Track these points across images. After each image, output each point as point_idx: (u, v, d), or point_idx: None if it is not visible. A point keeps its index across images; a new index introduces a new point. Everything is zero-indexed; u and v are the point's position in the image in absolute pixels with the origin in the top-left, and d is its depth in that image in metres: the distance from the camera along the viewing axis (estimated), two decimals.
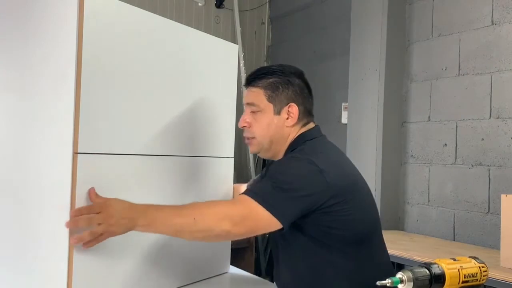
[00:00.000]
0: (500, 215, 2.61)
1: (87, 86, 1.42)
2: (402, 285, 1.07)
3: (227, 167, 1.99)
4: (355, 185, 1.63)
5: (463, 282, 1.11)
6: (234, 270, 2.03)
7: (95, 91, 1.45)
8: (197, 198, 1.67)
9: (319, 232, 1.57)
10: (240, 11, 5.14)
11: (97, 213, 1.40)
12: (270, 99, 1.67)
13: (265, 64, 5.26)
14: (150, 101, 1.65)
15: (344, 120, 4.23)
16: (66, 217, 1.40)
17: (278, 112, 1.67)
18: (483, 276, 1.15)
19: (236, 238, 1.54)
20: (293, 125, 1.69)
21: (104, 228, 1.40)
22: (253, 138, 1.69)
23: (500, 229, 2.57)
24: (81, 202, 1.41)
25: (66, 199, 1.40)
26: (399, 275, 1.08)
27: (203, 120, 1.86)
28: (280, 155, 1.70)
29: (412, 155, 3.73)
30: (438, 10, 3.62)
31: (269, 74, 1.68)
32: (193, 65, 1.81)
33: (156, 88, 1.67)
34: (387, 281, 1.06)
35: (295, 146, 1.67)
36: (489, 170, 3.21)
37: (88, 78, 1.42)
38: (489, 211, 3.20)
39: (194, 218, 1.45)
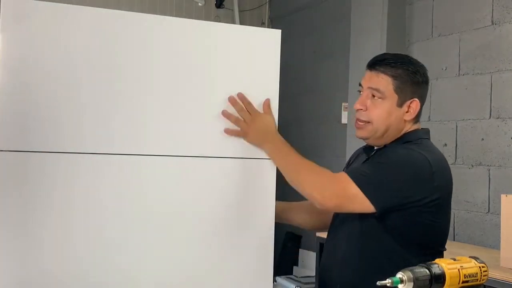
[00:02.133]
0: (500, 215, 2.61)
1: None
2: (402, 285, 1.07)
3: (268, 170, 1.80)
4: (450, 195, 1.67)
5: (463, 282, 1.11)
6: None
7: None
8: (233, 203, 1.72)
9: (402, 228, 1.60)
10: (240, 11, 5.14)
11: (249, 113, 1.67)
12: (397, 89, 1.65)
13: None
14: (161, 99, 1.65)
15: (344, 120, 4.23)
16: None
17: (400, 105, 1.66)
18: (483, 276, 1.15)
19: (325, 210, 1.67)
20: (410, 120, 1.69)
21: (244, 126, 1.66)
22: (368, 122, 1.67)
23: (500, 229, 2.56)
24: None
25: None
26: (399, 275, 1.08)
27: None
28: (385, 143, 1.70)
29: None
30: (438, 10, 3.62)
31: (400, 64, 1.67)
32: (219, 60, 1.76)
33: (172, 88, 1.68)
34: (387, 281, 1.06)
35: (409, 139, 1.67)
36: (489, 170, 3.21)
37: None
38: (489, 211, 3.20)
39: (298, 178, 1.63)
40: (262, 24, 5.38)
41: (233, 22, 5.10)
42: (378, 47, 3.77)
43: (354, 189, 1.55)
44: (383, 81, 1.66)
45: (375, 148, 1.74)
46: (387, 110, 1.65)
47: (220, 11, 5.10)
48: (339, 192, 1.57)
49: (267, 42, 1.84)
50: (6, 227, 1.53)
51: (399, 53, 1.75)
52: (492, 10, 3.25)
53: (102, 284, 1.60)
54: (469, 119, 3.34)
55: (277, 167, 1.69)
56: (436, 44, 3.59)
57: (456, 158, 3.41)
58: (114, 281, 1.62)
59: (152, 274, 1.67)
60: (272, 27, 5.38)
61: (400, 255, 1.59)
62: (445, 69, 3.50)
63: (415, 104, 1.68)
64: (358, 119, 1.70)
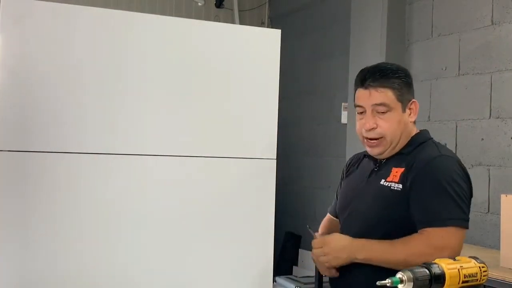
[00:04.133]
0: (500, 215, 2.61)
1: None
2: (402, 285, 1.06)
3: (268, 170, 1.85)
4: None
5: (463, 282, 1.11)
6: None
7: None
8: (233, 203, 1.70)
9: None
10: (240, 11, 5.14)
11: (320, 247, 1.67)
12: (399, 97, 1.68)
13: None
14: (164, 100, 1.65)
15: (344, 120, 4.22)
16: None
17: (404, 110, 1.70)
18: (483, 276, 1.14)
19: None
20: (413, 122, 1.74)
21: (325, 259, 1.66)
22: (381, 138, 1.68)
23: (500, 229, 2.56)
24: None
25: None
26: (399, 275, 1.08)
27: (232, 119, 1.81)
28: (395, 151, 1.71)
29: None
30: (438, 10, 3.62)
31: (392, 73, 1.70)
32: (218, 62, 1.78)
33: (174, 88, 1.67)
34: (387, 281, 1.06)
35: (420, 140, 1.72)
36: (489, 170, 3.20)
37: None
38: (489, 211, 3.20)
39: (405, 259, 1.54)
40: (262, 24, 5.38)
41: (233, 22, 5.09)
42: (378, 47, 3.76)
43: (451, 234, 1.58)
44: (384, 94, 1.67)
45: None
46: (397, 120, 1.68)
47: (220, 11, 5.10)
48: (444, 245, 1.55)
49: (267, 42, 1.84)
50: (6, 227, 1.53)
51: (377, 63, 1.78)
52: (492, 10, 3.25)
53: (103, 283, 1.60)
54: (469, 119, 3.34)
55: (384, 265, 1.60)
56: (436, 44, 3.59)
57: None
58: (115, 280, 1.62)
59: (152, 273, 1.67)
60: (272, 27, 5.37)
61: None
62: (445, 69, 3.50)
63: (414, 104, 1.72)
64: (369, 138, 1.70)
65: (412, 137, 1.72)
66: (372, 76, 1.69)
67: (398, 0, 3.82)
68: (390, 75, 1.69)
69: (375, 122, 1.67)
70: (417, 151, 1.68)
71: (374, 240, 1.63)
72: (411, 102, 1.71)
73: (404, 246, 1.58)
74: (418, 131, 1.76)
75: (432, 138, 1.76)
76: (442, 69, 3.52)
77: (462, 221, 1.61)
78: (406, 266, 1.46)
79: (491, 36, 3.25)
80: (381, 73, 1.69)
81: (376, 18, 3.81)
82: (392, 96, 1.67)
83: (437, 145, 1.73)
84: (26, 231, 1.53)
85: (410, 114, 1.72)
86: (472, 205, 3.38)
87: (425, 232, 1.57)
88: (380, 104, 1.67)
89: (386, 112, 1.67)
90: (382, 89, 1.67)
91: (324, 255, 1.66)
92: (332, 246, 1.66)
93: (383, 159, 1.74)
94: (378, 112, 1.67)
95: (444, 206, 1.61)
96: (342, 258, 1.64)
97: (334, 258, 1.65)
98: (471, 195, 1.74)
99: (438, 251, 1.50)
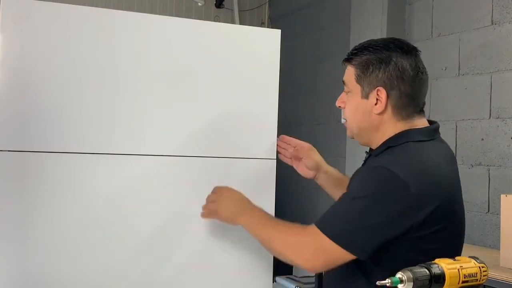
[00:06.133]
0: (500, 215, 2.61)
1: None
2: (402, 285, 1.06)
3: (268, 170, 1.83)
4: (451, 197, 1.37)
5: (463, 282, 1.11)
6: None
7: None
8: None
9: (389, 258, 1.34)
10: (240, 11, 5.14)
11: (214, 193, 1.64)
12: (358, 79, 1.43)
13: None
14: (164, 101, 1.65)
15: (344, 120, 4.22)
16: None
17: (366, 96, 1.43)
18: (483, 276, 1.14)
19: (314, 272, 1.50)
20: (383, 113, 1.42)
21: (213, 207, 1.63)
22: (346, 121, 1.53)
23: (500, 229, 2.56)
24: None
25: None
26: (398, 275, 1.07)
27: (232, 119, 1.80)
28: (375, 145, 1.47)
29: None
30: (438, 10, 3.62)
31: (364, 50, 1.45)
32: (218, 62, 1.77)
33: (172, 88, 1.68)
34: (387, 281, 1.06)
35: (391, 143, 1.41)
36: (488, 170, 3.21)
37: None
38: (489, 211, 3.20)
39: (270, 241, 1.49)
40: (262, 24, 5.38)
41: (233, 22, 5.09)
42: None
43: (326, 242, 1.33)
44: (349, 73, 1.47)
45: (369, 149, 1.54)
46: (354, 105, 1.46)
47: (220, 11, 5.10)
48: (315, 249, 1.36)
49: (267, 42, 1.84)
50: (6, 227, 1.53)
51: (386, 37, 1.53)
52: (492, 10, 3.25)
53: (103, 283, 1.60)
54: (469, 119, 3.34)
55: (257, 239, 1.54)
56: (436, 44, 3.59)
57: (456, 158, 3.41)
58: (115, 280, 1.62)
59: (152, 272, 1.67)
60: (272, 27, 5.37)
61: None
62: (445, 69, 3.50)
63: (381, 93, 1.41)
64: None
65: (388, 138, 1.43)
66: (350, 52, 1.48)
67: (398, 0, 3.82)
68: (361, 52, 1.45)
69: (343, 101, 1.51)
70: (382, 156, 1.42)
71: (263, 211, 1.57)
72: (376, 89, 1.41)
73: (279, 228, 1.48)
74: (405, 129, 1.43)
75: (407, 142, 1.40)
76: (442, 69, 3.52)
77: (334, 234, 1.32)
78: (270, 248, 1.51)
79: (491, 36, 3.25)
80: (356, 48, 1.48)
81: (376, 18, 3.81)
82: (352, 76, 1.45)
83: (398, 153, 1.39)
84: (25, 231, 1.53)
85: (376, 104, 1.42)
86: (472, 205, 3.39)
87: (307, 226, 1.41)
88: (344, 83, 1.49)
89: (348, 93, 1.48)
90: (349, 67, 1.47)
91: (215, 202, 1.63)
92: (225, 196, 1.63)
93: (368, 156, 1.53)
94: (347, 92, 1.50)
95: (330, 210, 1.40)
96: (227, 212, 1.61)
97: (221, 209, 1.62)
98: (396, 214, 1.30)
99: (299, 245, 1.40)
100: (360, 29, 3.95)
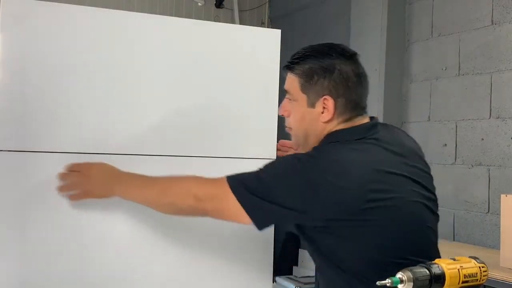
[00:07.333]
0: (500, 215, 2.61)
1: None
2: (402, 285, 1.07)
3: None
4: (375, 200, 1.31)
5: (463, 282, 1.11)
6: None
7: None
8: None
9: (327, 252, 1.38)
10: (240, 11, 5.14)
11: (77, 172, 1.51)
12: (303, 89, 1.43)
13: None
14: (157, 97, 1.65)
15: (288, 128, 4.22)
16: None
17: (312, 105, 1.42)
18: (483, 276, 1.15)
19: (203, 215, 1.45)
20: (330, 121, 1.42)
21: (80, 187, 1.51)
22: (290, 128, 1.50)
23: (500, 229, 2.56)
24: None
25: None
26: (399, 275, 1.08)
27: (232, 118, 1.79)
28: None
29: None
30: (438, 10, 3.62)
31: (307, 58, 1.43)
32: (218, 62, 1.76)
33: (169, 87, 1.68)
34: (387, 281, 1.06)
35: (324, 143, 1.43)
36: (489, 170, 3.21)
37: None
38: (489, 211, 3.20)
39: (161, 192, 1.45)
40: (262, 24, 5.38)
41: (233, 22, 5.09)
42: (378, 47, 3.77)
43: (230, 196, 1.36)
44: (291, 81, 1.46)
45: None
46: (300, 114, 1.45)
47: (220, 11, 5.10)
48: (215, 195, 1.40)
49: (267, 42, 1.84)
50: (6, 227, 1.53)
51: (324, 43, 1.48)
52: (492, 10, 3.25)
53: (103, 283, 1.60)
54: (469, 119, 3.34)
55: (140, 203, 1.51)
56: (436, 44, 3.59)
57: (456, 158, 3.41)
58: (115, 280, 1.62)
59: (152, 273, 1.67)
60: (272, 27, 5.37)
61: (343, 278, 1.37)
62: (445, 69, 3.50)
63: (328, 102, 1.41)
64: (286, 126, 1.52)
65: (321, 140, 1.44)
66: (290, 59, 1.47)
67: (398, 0, 3.82)
68: (303, 60, 1.44)
69: (286, 109, 1.49)
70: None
71: (139, 174, 1.50)
72: (323, 97, 1.41)
73: (169, 180, 1.46)
74: (333, 130, 1.43)
75: (337, 142, 1.39)
76: (442, 69, 3.52)
77: (239, 193, 1.35)
78: (160, 200, 1.45)
79: (491, 36, 3.25)
80: (297, 55, 1.46)
81: (376, 18, 3.82)
82: (297, 85, 1.44)
83: (322, 150, 1.39)
84: (25, 231, 1.53)
85: (322, 113, 1.41)
86: (472, 205, 3.39)
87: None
88: (287, 91, 1.48)
89: (293, 101, 1.46)
90: (291, 75, 1.46)
91: (80, 182, 1.51)
92: (93, 171, 1.51)
93: None
94: (290, 100, 1.48)
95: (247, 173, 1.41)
96: (100, 185, 1.50)
97: (92, 185, 1.51)
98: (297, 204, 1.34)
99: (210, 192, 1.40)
100: (360, 29, 3.95)
